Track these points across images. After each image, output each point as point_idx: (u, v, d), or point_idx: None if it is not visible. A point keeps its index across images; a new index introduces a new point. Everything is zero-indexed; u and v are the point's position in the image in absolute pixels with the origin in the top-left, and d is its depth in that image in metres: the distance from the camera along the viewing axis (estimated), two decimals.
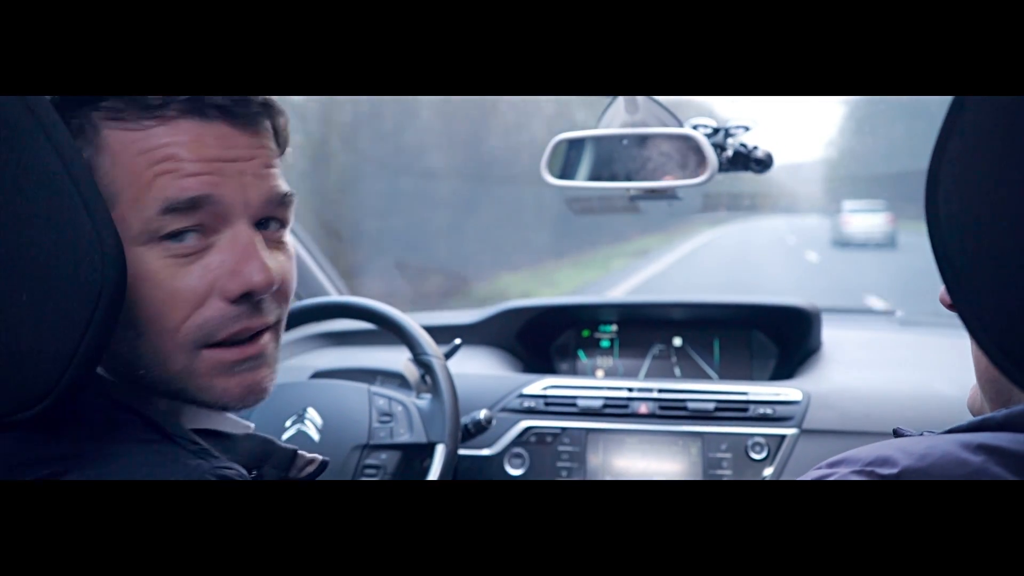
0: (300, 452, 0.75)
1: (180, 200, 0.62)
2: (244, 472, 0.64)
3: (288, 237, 0.72)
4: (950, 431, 0.57)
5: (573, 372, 1.82)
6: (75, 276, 0.57)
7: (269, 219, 0.68)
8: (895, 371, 1.59)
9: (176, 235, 0.63)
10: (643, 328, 1.81)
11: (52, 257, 0.57)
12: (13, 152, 0.56)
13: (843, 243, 16.59)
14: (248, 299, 0.66)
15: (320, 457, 0.76)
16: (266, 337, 0.69)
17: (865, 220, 16.63)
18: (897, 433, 0.62)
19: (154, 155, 0.62)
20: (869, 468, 0.54)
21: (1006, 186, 0.46)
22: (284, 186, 0.69)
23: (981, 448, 0.52)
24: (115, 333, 0.60)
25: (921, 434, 0.60)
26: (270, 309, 0.68)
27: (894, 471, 0.53)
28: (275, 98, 0.69)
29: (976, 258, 0.48)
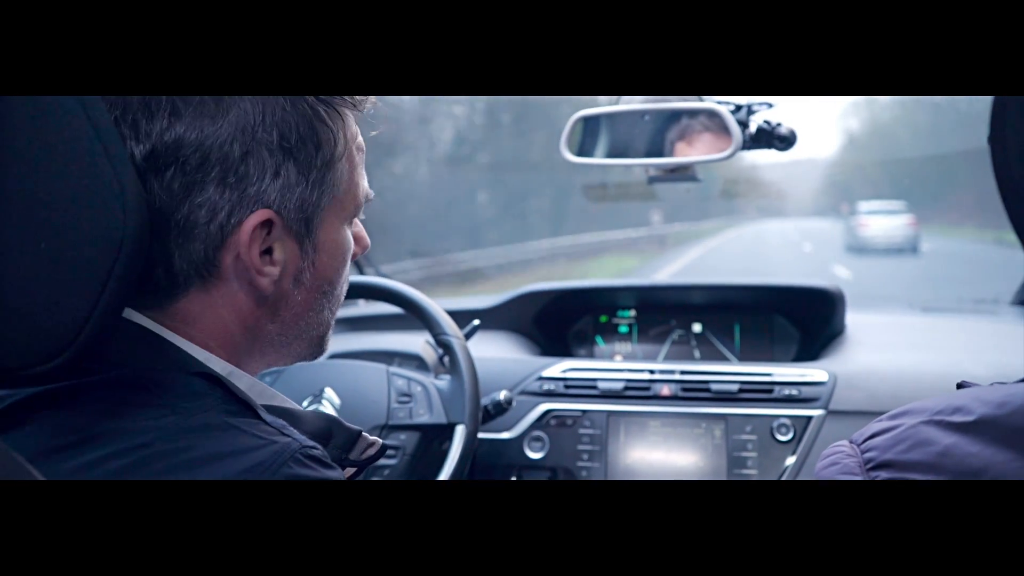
0: (364, 434, 0.74)
1: (370, 192, 0.73)
2: (325, 451, 0.63)
3: None
4: None
5: (591, 357, 1.79)
6: (95, 225, 0.55)
7: None
8: (922, 353, 1.56)
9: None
10: (662, 313, 1.78)
11: (71, 205, 0.55)
12: (33, 102, 0.54)
13: (860, 248, 14.83)
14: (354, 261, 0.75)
15: (380, 441, 0.76)
16: None
17: (884, 222, 14.99)
18: (962, 386, 0.59)
19: (359, 143, 0.71)
20: (940, 417, 0.52)
21: None
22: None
23: None
24: (319, 299, 0.70)
25: (991, 385, 0.57)
26: None
27: (969, 419, 0.50)
28: None
29: None
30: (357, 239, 0.74)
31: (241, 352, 0.68)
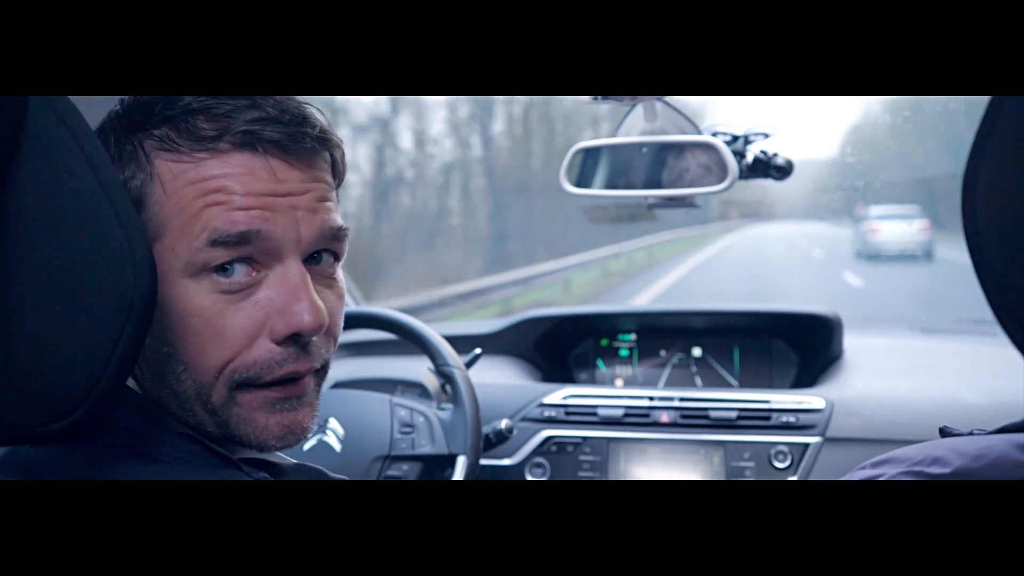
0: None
1: (228, 233, 0.61)
2: None
3: (339, 273, 0.70)
4: (1002, 430, 0.56)
5: (592, 381, 1.81)
6: (106, 287, 0.57)
7: (321, 252, 0.67)
8: (919, 378, 1.57)
9: (224, 269, 0.62)
10: (662, 337, 1.80)
11: (83, 267, 0.56)
12: (45, 162, 0.56)
13: (872, 254, 14.17)
14: (296, 340, 0.64)
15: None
16: (310, 378, 0.67)
17: (897, 228, 14.09)
18: (944, 433, 0.60)
19: (204, 187, 0.61)
20: (919, 468, 0.53)
21: None
22: (338, 220, 0.67)
23: None
24: (164, 362, 0.63)
25: (971, 433, 0.58)
26: (317, 351, 0.66)
27: (946, 471, 0.51)
28: (331, 130, 0.68)
29: (1017, 264, 0.47)
30: (283, 311, 0.64)
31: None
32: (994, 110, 0.47)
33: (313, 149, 0.65)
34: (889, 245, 14.05)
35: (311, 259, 0.66)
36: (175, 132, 0.62)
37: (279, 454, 0.72)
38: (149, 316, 0.59)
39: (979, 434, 0.58)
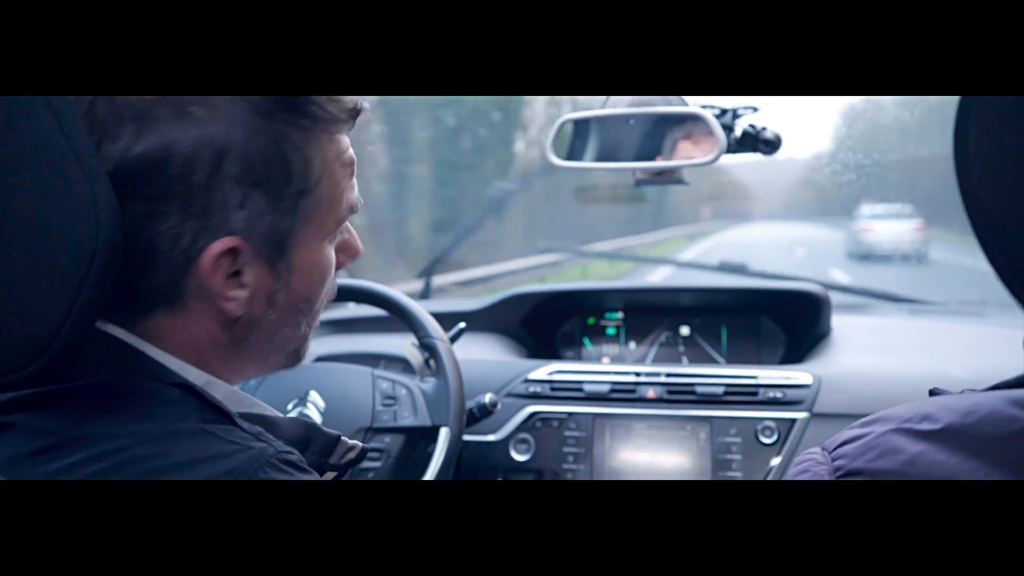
0: (343, 438, 0.74)
1: (358, 202, 0.71)
2: (301, 456, 0.63)
3: None
4: (993, 387, 0.55)
5: (578, 359, 1.80)
6: (69, 235, 0.55)
7: None
8: (907, 356, 1.57)
9: None
10: (649, 315, 1.79)
11: (45, 216, 0.55)
12: (7, 113, 0.54)
13: (864, 255, 13.50)
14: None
15: (360, 445, 0.75)
16: None
17: (890, 228, 13.42)
18: (934, 393, 0.59)
19: (346, 158, 0.68)
20: (907, 425, 0.52)
21: None
22: None
23: None
24: (296, 313, 0.69)
25: (961, 392, 0.57)
26: None
27: (936, 427, 0.50)
28: None
29: (1004, 195, 0.46)
30: (346, 247, 0.73)
31: (215, 365, 0.67)
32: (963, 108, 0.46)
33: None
34: (882, 245, 13.41)
35: None
36: (326, 110, 0.65)
37: (272, 409, 0.72)
38: (113, 264, 0.57)
39: (969, 392, 0.57)
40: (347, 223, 0.72)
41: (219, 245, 0.61)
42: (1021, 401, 0.50)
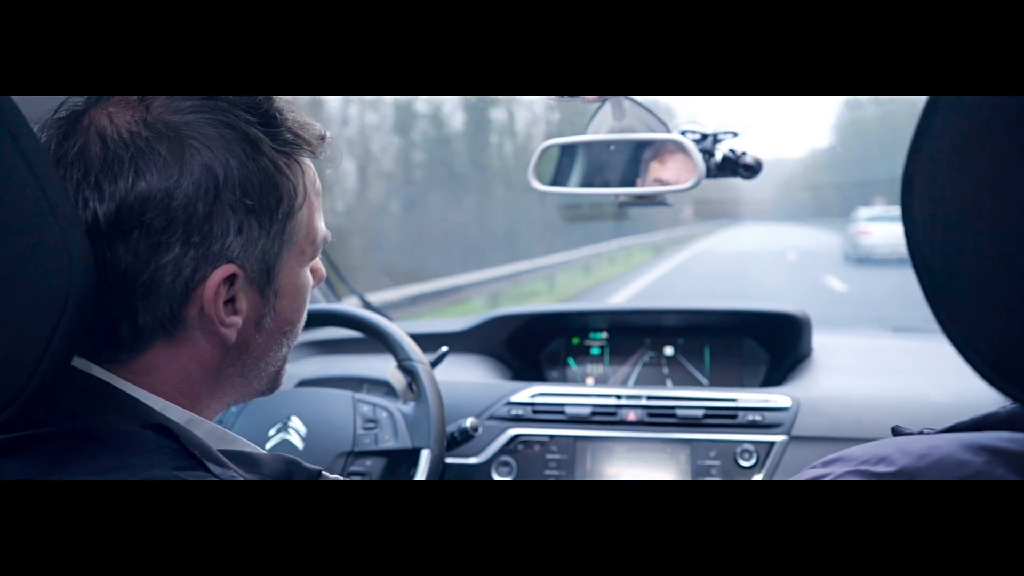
0: (324, 472, 0.74)
1: (327, 232, 0.74)
2: None
3: None
4: (950, 429, 0.55)
5: (563, 380, 1.81)
6: (41, 282, 0.56)
7: None
8: (886, 378, 1.58)
9: None
10: (634, 335, 1.80)
11: (17, 263, 0.55)
12: None
13: (862, 258, 13.40)
14: None
15: (341, 478, 0.77)
16: None
17: (889, 230, 13.21)
18: (896, 432, 0.60)
19: (318, 187, 0.71)
20: (865, 467, 0.53)
21: (980, 187, 0.45)
22: None
23: (983, 449, 0.50)
24: (282, 336, 0.71)
25: (921, 432, 0.58)
26: None
27: (891, 470, 0.51)
28: None
29: (952, 262, 0.47)
30: (313, 272, 0.75)
31: (203, 397, 0.69)
32: (931, 109, 0.47)
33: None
34: (880, 248, 13.52)
35: None
36: (302, 138, 0.69)
37: (254, 445, 0.73)
38: (86, 311, 0.58)
39: (928, 433, 0.58)
40: None
41: (220, 273, 0.63)
42: (973, 446, 0.51)
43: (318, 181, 0.72)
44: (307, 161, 0.70)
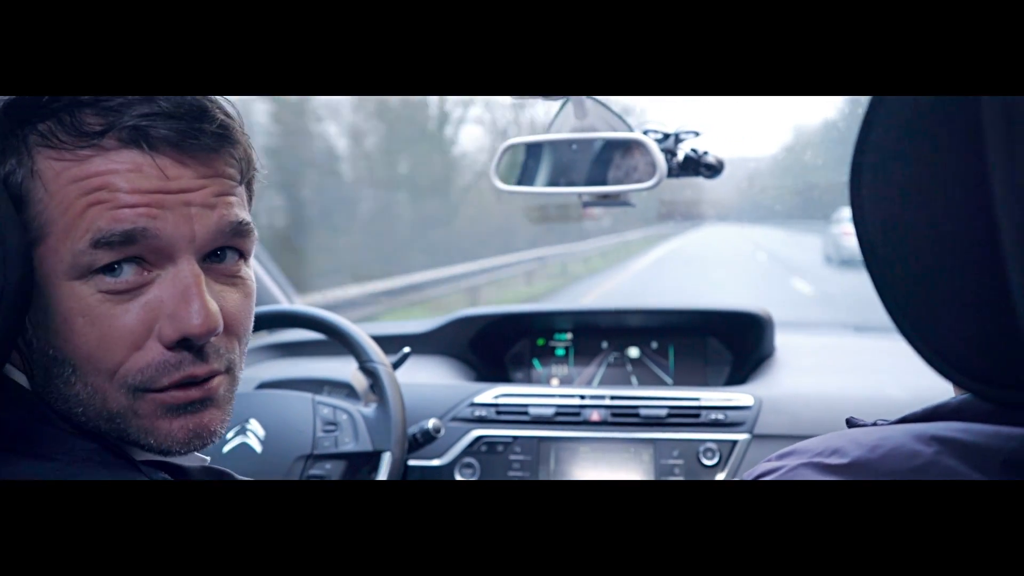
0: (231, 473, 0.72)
1: (112, 233, 0.58)
2: None
3: (247, 271, 0.68)
4: (903, 419, 0.56)
5: (528, 381, 1.80)
6: None
7: (224, 249, 0.64)
8: (847, 376, 1.60)
9: (112, 269, 0.59)
10: (598, 336, 1.80)
11: None
12: None
13: (844, 261, 12.79)
14: (188, 345, 0.61)
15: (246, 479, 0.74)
16: (216, 380, 0.64)
17: None
18: (850, 423, 0.61)
19: (86, 185, 0.58)
20: (818, 459, 0.53)
21: (923, 177, 0.45)
22: (239, 214, 0.64)
23: (934, 439, 0.51)
24: (51, 364, 0.60)
25: (874, 423, 0.59)
26: (218, 354, 0.64)
27: (844, 461, 0.52)
28: (236, 123, 0.66)
29: (898, 252, 0.47)
30: None
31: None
32: (874, 108, 0.47)
33: (210, 145, 0.62)
34: None
35: (213, 257, 0.64)
36: (59, 127, 0.59)
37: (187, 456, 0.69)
38: (21, 309, 0.57)
39: (882, 424, 0.59)
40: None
41: None
42: (924, 436, 0.52)
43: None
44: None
